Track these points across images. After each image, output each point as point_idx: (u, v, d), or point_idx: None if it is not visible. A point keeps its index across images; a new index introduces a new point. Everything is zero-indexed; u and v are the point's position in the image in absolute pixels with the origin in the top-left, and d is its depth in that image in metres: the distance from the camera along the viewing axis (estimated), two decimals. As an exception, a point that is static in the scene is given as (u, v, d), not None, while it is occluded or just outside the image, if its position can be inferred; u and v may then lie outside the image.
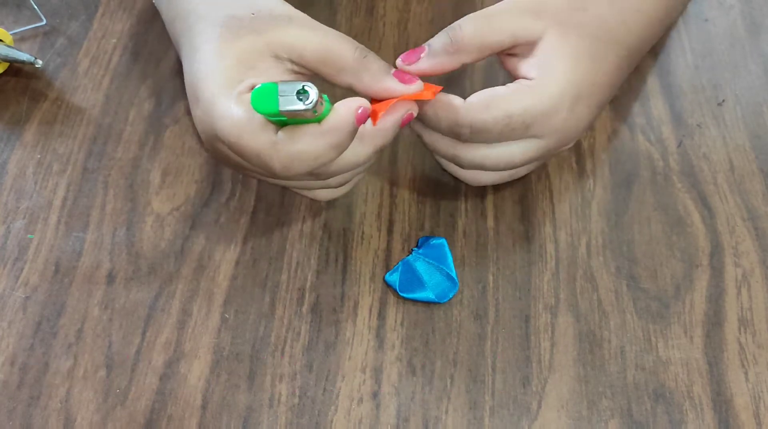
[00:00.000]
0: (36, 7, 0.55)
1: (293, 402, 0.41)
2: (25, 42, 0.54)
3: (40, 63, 0.50)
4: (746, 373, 0.42)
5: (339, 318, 0.43)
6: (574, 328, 0.43)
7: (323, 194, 0.43)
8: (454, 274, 0.44)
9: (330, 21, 0.56)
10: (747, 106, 0.53)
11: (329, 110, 0.35)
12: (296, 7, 0.41)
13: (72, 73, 0.53)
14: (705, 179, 0.49)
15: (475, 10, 0.40)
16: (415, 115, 0.39)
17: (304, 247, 0.46)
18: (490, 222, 0.47)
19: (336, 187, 0.42)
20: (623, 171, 0.49)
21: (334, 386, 0.41)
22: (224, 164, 0.44)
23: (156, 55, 0.54)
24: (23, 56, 0.50)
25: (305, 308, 0.44)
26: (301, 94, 0.33)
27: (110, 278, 0.44)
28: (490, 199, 0.48)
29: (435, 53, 0.40)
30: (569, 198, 0.48)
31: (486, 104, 0.39)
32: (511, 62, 0.42)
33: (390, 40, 0.55)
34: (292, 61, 0.39)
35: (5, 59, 0.50)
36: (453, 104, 0.39)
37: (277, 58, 0.39)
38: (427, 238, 0.45)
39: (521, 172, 0.45)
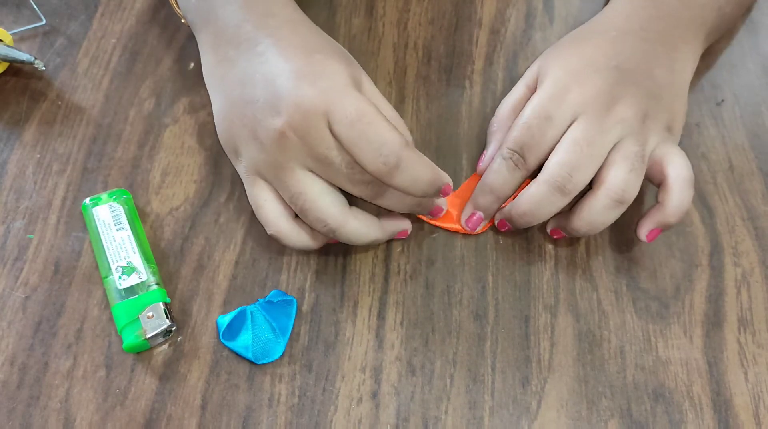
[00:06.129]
0: (36, 7, 0.55)
1: (293, 402, 0.41)
2: (25, 42, 0.54)
3: (40, 64, 0.50)
4: (746, 373, 0.42)
5: (339, 318, 0.43)
6: (573, 328, 0.43)
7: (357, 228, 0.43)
8: (285, 338, 0.42)
9: (330, 21, 0.56)
10: (746, 105, 0.53)
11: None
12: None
13: (72, 73, 0.53)
14: (704, 179, 0.49)
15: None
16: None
17: (304, 247, 0.46)
18: (490, 222, 0.47)
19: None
20: (623, 171, 0.49)
21: (333, 386, 0.41)
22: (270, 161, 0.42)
23: (156, 55, 0.54)
24: (23, 56, 0.50)
25: (305, 308, 0.44)
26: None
27: (110, 278, 0.44)
28: (489, 199, 0.48)
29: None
30: (569, 198, 0.48)
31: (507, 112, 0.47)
32: None
33: (390, 40, 0.55)
34: None
35: (5, 59, 0.50)
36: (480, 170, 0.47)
37: None
38: (281, 292, 0.43)
39: (632, 183, 0.42)
